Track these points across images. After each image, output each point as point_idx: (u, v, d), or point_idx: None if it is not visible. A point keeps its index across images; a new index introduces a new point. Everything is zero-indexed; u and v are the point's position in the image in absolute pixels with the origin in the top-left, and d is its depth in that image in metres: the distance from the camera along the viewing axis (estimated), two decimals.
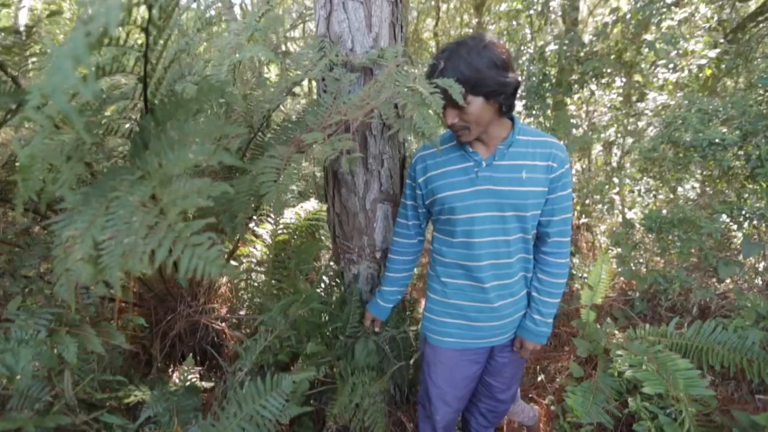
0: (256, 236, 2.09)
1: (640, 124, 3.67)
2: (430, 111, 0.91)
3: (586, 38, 3.76)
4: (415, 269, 1.46)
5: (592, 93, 3.89)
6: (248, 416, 0.84)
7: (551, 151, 1.06)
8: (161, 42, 0.76)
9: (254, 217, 2.01)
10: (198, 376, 1.44)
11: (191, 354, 1.48)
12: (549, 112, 3.79)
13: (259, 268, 1.93)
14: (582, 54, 3.63)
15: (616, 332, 2.17)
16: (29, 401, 1.02)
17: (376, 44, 1.31)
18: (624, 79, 3.62)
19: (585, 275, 3.02)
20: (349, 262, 1.63)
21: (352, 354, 1.29)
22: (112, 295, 1.54)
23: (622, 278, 2.96)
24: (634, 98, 3.75)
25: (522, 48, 4.25)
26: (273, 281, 1.93)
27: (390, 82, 0.98)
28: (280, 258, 1.94)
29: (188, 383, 1.20)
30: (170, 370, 1.57)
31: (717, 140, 2.10)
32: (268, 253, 2.03)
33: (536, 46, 4.19)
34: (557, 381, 2.16)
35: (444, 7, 6.52)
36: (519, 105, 4.63)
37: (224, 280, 1.85)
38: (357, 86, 1.29)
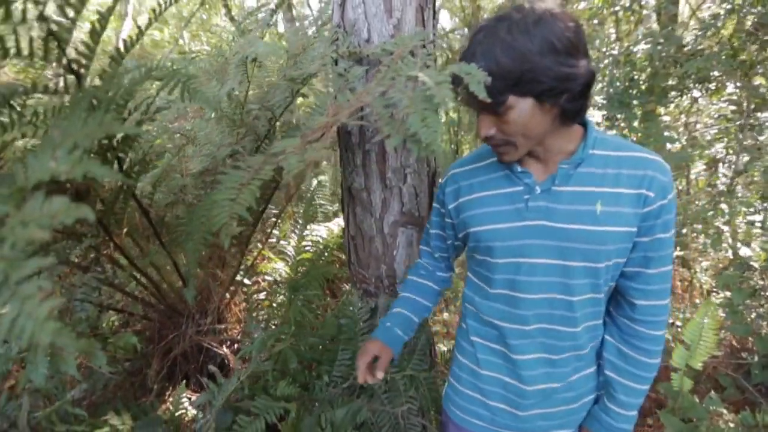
0: (281, 252, 1.94)
1: (761, 138, 2.94)
2: (439, 110, 0.63)
3: (689, 38, 3.15)
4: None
5: (694, 101, 3.24)
6: None
7: (646, 173, 0.71)
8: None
9: (275, 231, 1.87)
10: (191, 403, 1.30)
11: (184, 378, 1.34)
12: (636, 123, 3.23)
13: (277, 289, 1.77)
14: (681, 55, 3.03)
15: (724, 412, 1.64)
16: None
17: (397, 32, 1.07)
18: (739, 84, 2.94)
19: (679, 324, 2.44)
20: (366, 294, 1.39)
21: (332, 406, 1.03)
22: (114, 306, 1.47)
23: (732, 334, 2.31)
24: (751, 106, 3.03)
25: (604, 50, 3.72)
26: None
27: (393, 72, 0.73)
28: (298, 278, 1.76)
29: (144, 414, 1.04)
30: (168, 393, 1.45)
31: None
32: (289, 272, 1.88)
33: (621, 47, 3.63)
34: None
35: None
36: (598, 115, 4.06)
37: (238, 299, 1.72)
38: (362, 82, 1.06)
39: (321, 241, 1.99)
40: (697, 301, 2.75)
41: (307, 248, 1.95)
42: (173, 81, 0.73)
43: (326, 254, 1.98)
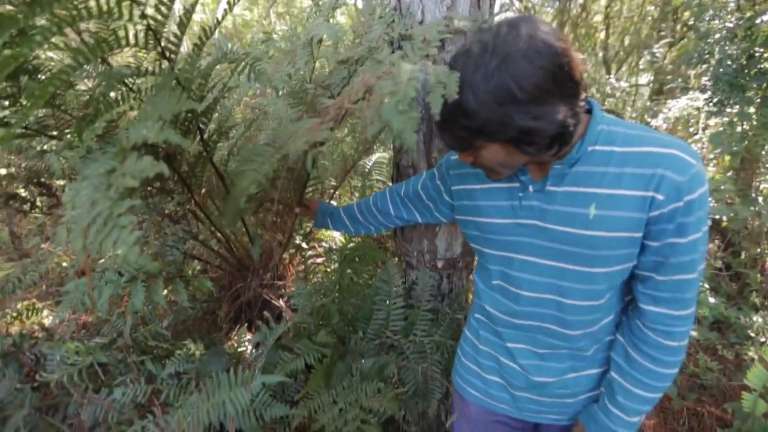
0: None
1: None
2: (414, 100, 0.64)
3: None
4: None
5: None
6: (218, 404, 0.81)
7: (655, 172, 0.62)
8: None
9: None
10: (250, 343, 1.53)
11: (248, 322, 1.57)
12: (750, 109, 2.79)
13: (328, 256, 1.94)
14: None
15: None
16: (101, 333, 1.20)
17: (450, 14, 1.09)
18: None
19: (763, 339, 2.17)
20: (408, 266, 1.47)
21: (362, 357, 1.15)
22: (196, 255, 1.74)
23: None
24: None
25: (717, 21, 3.20)
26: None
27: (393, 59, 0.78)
28: (351, 248, 1.90)
29: (214, 344, 1.26)
30: (233, 333, 1.70)
31: None
32: (344, 241, 2.03)
33: (740, 18, 3.11)
34: None
35: None
36: (701, 98, 3.55)
37: (297, 261, 1.91)
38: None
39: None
40: None
41: None
42: (242, 63, 0.86)
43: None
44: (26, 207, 1.41)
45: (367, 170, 2.08)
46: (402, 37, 1.09)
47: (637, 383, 0.73)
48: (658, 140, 0.65)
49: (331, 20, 1.55)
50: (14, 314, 1.65)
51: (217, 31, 0.99)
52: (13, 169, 1.42)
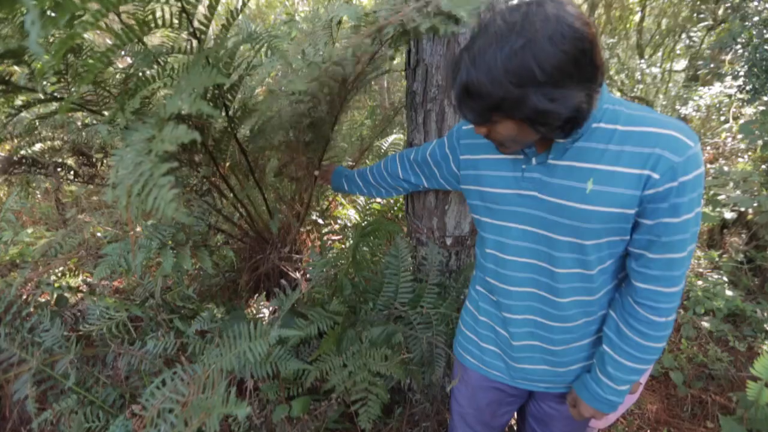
0: (353, 200, 2.18)
1: None
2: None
3: None
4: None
5: None
6: (239, 353, 0.90)
7: (653, 151, 0.65)
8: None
9: None
10: (267, 311, 1.64)
11: (266, 292, 1.68)
12: None
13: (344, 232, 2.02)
14: None
15: None
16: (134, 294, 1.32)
17: None
18: None
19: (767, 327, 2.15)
20: (418, 243, 1.54)
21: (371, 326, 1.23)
22: (219, 227, 1.86)
23: None
24: None
25: (756, 2, 3.03)
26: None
27: None
28: (365, 226, 1.98)
29: (234, 309, 1.36)
30: (252, 301, 1.82)
31: None
32: (359, 219, 2.11)
33: None
34: None
35: None
36: (734, 85, 3.41)
37: (313, 236, 2.00)
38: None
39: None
40: None
41: (378, 200, 2.15)
42: (260, 42, 0.93)
43: (395, 208, 2.16)
44: (71, 176, 1.54)
45: (383, 151, 2.13)
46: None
47: (627, 356, 0.78)
48: (659, 121, 0.67)
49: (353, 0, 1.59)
50: (58, 275, 1.81)
51: (244, 6, 1.06)
52: (57, 142, 1.55)
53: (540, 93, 0.60)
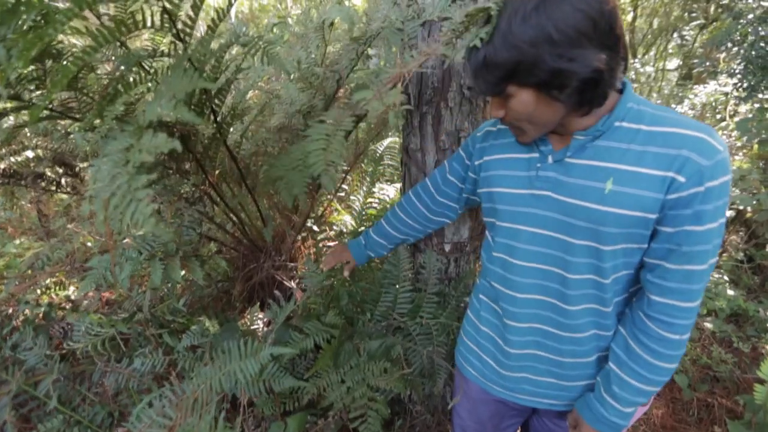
0: (349, 206, 2.13)
1: None
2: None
3: None
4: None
5: None
6: (229, 373, 0.85)
7: (680, 153, 0.61)
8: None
9: (344, 186, 2.06)
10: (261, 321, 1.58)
11: (260, 302, 1.62)
12: None
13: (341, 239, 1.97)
14: None
15: None
16: (122, 308, 1.26)
17: None
18: None
19: None
20: (416, 250, 1.49)
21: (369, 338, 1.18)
22: (211, 236, 1.80)
23: None
24: None
25: (751, 0, 3.03)
26: None
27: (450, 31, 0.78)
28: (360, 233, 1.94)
29: (227, 321, 1.31)
30: (246, 312, 1.77)
31: None
32: (354, 225, 2.06)
33: None
34: None
35: None
36: (730, 83, 3.41)
37: (308, 243, 1.95)
38: (423, 39, 1.10)
39: (387, 200, 2.12)
40: None
41: (374, 205, 2.10)
42: (255, 47, 0.88)
43: None
44: (52, 187, 1.48)
45: (378, 155, 2.09)
46: (411, 18, 1.09)
47: (634, 375, 0.72)
48: (687, 123, 0.64)
49: (345, 2, 1.55)
50: (44, 288, 1.74)
51: (233, 15, 1.01)
52: (39, 151, 1.49)
53: (555, 53, 0.58)
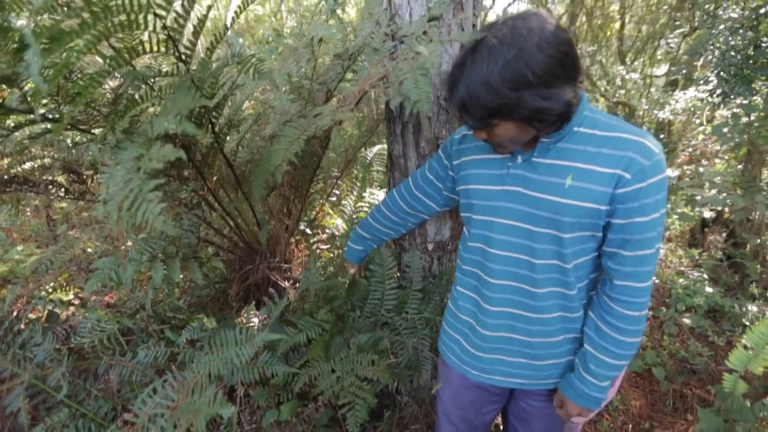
0: (341, 210, 2.23)
1: None
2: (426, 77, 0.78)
3: None
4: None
5: None
6: (226, 359, 0.94)
7: (626, 154, 0.74)
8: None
9: (336, 191, 2.15)
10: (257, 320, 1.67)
11: (256, 302, 1.71)
12: (758, 100, 2.80)
13: (332, 242, 2.07)
14: None
15: None
16: (125, 306, 1.35)
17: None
18: None
19: (746, 322, 2.23)
20: (401, 249, 1.59)
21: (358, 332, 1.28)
22: (209, 239, 1.90)
23: None
24: None
25: (721, 12, 3.19)
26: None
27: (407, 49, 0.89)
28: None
29: (225, 319, 1.40)
30: (243, 311, 1.86)
31: None
32: (346, 228, 2.16)
33: (744, 6, 3.09)
34: None
35: None
36: (705, 89, 3.55)
37: (302, 246, 2.05)
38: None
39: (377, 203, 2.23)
40: None
41: (364, 209, 2.20)
42: (248, 64, 0.99)
43: None
44: (62, 193, 1.58)
45: (368, 161, 2.20)
46: (392, 36, 1.20)
47: (606, 352, 0.85)
48: (632, 130, 0.77)
49: (332, 20, 1.66)
50: (48, 292, 1.83)
51: (229, 30, 1.12)
52: (47, 160, 1.59)
53: (534, 94, 0.69)
